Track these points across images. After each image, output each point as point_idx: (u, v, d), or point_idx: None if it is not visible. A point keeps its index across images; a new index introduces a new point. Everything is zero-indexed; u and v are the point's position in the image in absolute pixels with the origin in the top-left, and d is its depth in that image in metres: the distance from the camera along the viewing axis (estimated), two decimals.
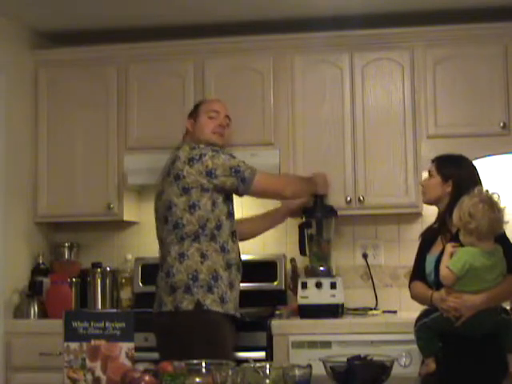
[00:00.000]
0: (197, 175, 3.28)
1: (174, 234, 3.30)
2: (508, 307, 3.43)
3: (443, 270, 2.91)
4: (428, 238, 3.24)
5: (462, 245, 2.92)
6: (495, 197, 2.91)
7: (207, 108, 3.58)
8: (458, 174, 3.19)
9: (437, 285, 3.02)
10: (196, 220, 3.28)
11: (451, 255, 2.90)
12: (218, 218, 3.32)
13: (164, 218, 3.35)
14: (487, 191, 2.96)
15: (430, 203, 3.30)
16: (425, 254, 3.19)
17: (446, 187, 3.19)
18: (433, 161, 3.32)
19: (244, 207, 3.95)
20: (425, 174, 3.48)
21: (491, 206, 2.86)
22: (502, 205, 2.90)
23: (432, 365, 2.93)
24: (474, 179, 3.20)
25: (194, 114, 3.59)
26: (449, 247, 2.94)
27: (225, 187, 3.32)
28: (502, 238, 2.97)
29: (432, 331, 2.98)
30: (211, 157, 3.30)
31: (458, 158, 3.30)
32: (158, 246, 3.45)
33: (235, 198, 3.46)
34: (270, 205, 3.88)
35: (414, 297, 3.21)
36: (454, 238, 2.99)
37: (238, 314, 3.37)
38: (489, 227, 2.85)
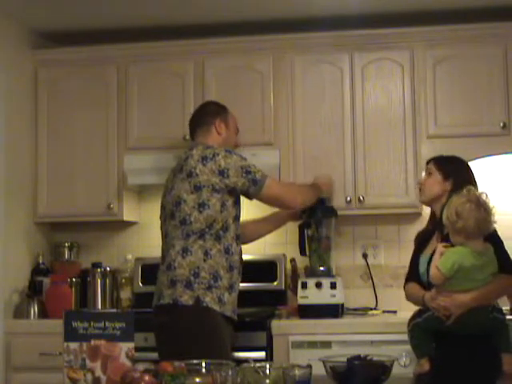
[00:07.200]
0: (209, 174, 3.29)
1: (181, 229, 3.31)
2: (507, 307, 3.45)
3: (432, 270, 2.93)
4: (422, 240, 3.26)
5: (452, 245, 2.93)
6: (483, 196, 2.91)
7: (235, 124, 3.63)
8: (458, 172, 3.22)
9: (430, 285, 3.03)
10: (204, 219, 3.29)
11: (442, 255, 2.91)
12: (226, 220, 3.33)
13: (171, 213, 3.36)
14: (475, 190, 2.98)
15: (427, 203, 3.31)
16: (418, 255, 3.21)
17: (446, 185, 3.20)
18: (428, 161, 3.34)
19: (244, 210, 3.95)
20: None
21: (478, 206, 2.87)
22: (490, 204, 2.90)
23: (426, 365, 2.93)
24: (471, 178, 3.23)
25: (224, 119, 3.56)
26: (440, 247, 2.95)
27: (236, 188, 3.34)
28: (492, 237, 2.97)
29: (425, 331, 2.99)
30: (224, 156, 3.32)
31: (455, 157, 3.34)
32: (161, 241, 3.46)
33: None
34: (271, 208, 3.88)
35: (408, 298, 3.24)
36: (446, 238, 3.00)
37: (235, 317, 3.37)
38: (475, 226, 2.86)
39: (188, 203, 3.30)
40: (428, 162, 3.35)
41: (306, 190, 3.71)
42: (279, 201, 3.53)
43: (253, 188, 3.36)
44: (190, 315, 3.24)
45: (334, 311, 3.80)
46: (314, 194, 3.71)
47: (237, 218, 3.40)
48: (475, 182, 3.23)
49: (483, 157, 3.99)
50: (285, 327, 3.72)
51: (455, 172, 3.23)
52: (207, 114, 3.56)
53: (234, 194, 3.37)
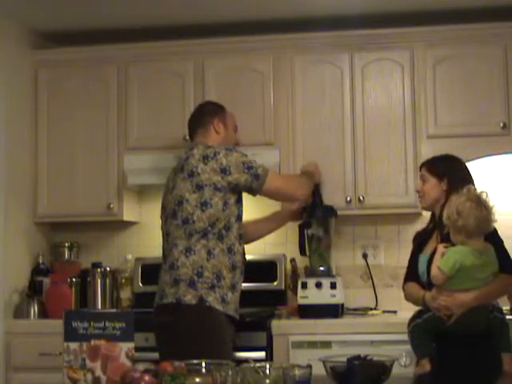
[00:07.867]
0: (211, 173, 3.29)
1: (183, 229, 3.31)
2: (507, 307, 3.44)
3: (434, 270, 2.92)
4: (421, 239, 3.25)
5: (453, 245, 2.93)
6: (483, 195, 2.91)
7: (234, 122, 3.64)
8: (451, 170, 3.22)
9: (429, 285, 3.03)
10: (206, 218, 3.29)
11: (443, 255, 2.91)
12: (228, 219, 3.33)
13: (173, 212, 3.36)
14: (475, 189, 2.97)
15: (429, 208, 3.30)
16: (417, 255, 3.21)
17: (442, 185, 3.20)
18: (421, 166, 3.34)
19: (245, 210, 3.95)
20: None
21: (478, 204, 2.87)
22: (490, 203, 2.90)
23: (427, 365, 2.92)
24: (466, 174, 3.24)
25: (222, 119, 3.56)
26: (440, 247, 2.95)
27: (239, 184, 3.34)
28: (492, 236, 2.97)
29: (425, 331, 2.99)
30: (225, 155, 3.33)
31: (447, 156, 3.33)
32: (162, 241, 3.46)
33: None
34: (271, 207, 3.89)
35: (408, 298, 3.24)
36: (446, 238, 3.00)
37: (237, 316, 3.37)
38: (476, 225, 2.87)
39: (190, 202, 3.30)
40: (421, 168, 3.34)
41: (304, 179, 3.74)
42: (282, 194, 3.56)
43: (255, 183, 3.37)
44: (193, 315, 3.24)
45: (334, 311, 3.80)
46: (311, 182, 3.75)
47: (239, 217, 3.41)
48: (471, 178, 3.23)
49: (483, 157, 3.99)
50: (285, 327, 3.72)
51: (448, 170, 3.22)
52: (205, 114, 3.57)
53: (237, 192, 3.38)
